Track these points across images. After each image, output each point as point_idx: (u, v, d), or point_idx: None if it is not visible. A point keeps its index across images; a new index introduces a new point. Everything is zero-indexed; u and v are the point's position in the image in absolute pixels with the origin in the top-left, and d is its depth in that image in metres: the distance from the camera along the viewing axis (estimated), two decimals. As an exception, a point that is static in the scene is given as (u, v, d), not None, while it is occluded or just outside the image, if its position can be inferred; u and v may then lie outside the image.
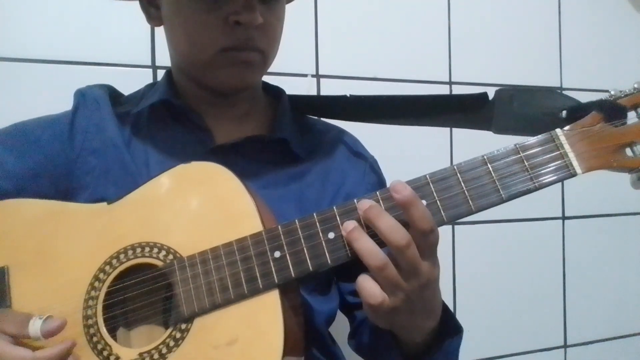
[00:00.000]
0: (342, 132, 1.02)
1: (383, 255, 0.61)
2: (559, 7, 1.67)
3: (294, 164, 0.91)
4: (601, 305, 1.71)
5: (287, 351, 0.63)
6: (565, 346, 1.66)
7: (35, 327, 0.66)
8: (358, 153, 0.99)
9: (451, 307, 1.49)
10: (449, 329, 0.76)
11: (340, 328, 0.97)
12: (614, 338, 1.73)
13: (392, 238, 0.61)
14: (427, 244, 0.62)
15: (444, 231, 1.48)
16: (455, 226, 1.51)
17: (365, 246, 0.62)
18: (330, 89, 1.39)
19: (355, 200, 0.66)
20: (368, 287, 0.63)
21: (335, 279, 0.96)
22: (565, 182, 1.61)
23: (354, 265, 0.88)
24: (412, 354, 0.75)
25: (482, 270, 1.55)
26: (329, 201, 0.90)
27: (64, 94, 0.93)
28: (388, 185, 0.67)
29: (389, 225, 0.61)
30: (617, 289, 1.73)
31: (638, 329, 1.76)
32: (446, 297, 1.50)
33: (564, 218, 1.67)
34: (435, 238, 0.63)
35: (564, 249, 1.67)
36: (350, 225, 0.63)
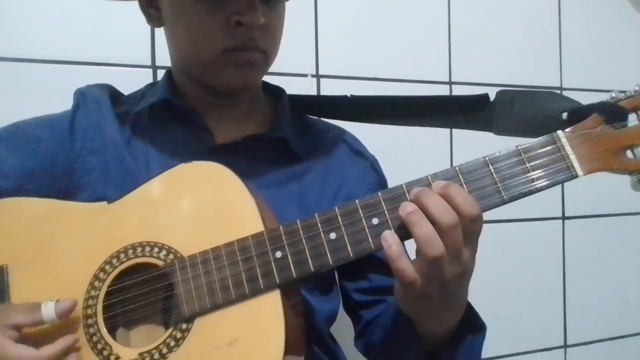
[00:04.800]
0: (342, 131, 1.02)
1: (442, 244, 0.60)
2: (559, 7, 1.67)
3: (294, 163, 0.91)
4: (601, 305, 1.71)
5: (287, 351, 0.63)
6: (565, 346, 1.66)
7: (49, 309, 0.67)
8: (358, 152, 0.99)
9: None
10: (472, 325, 0.75)
11: (341, 328, 0.97)
12: (614, 338, 1.73)
13: (441, 218, 0.59)
14: (472, 230, 0.61)
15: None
16: (456, 226, 1.50)
17: (426, 232, 0.60)
18: (330, 89, 1.39)
19: (357, 201, 0.66)
20: (403, 266, 0.61)
21: (337, 278, 0.96)
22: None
23: (358, 264, 0.89)
24: (430, 351, 0.74)
25: (481, 270, 1.54)
26: (330, 200, 0.90)
27: (64, 94, 0.93)
28: (390, 185, 0.67)
29: (439, 204, 0.60)
30: (617, 289, 1.73)
31: (638, 329, 1.76)
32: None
33: (564, 218, 1.67)
34: (480, 225, 0.62)
35: (564, 249, 1.67)
36: (409, 206, 0.61)
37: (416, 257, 0.62)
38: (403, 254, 0.61)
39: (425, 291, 0.62)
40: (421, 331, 0.73)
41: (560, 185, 1.64)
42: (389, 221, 0.65)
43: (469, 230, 0.61)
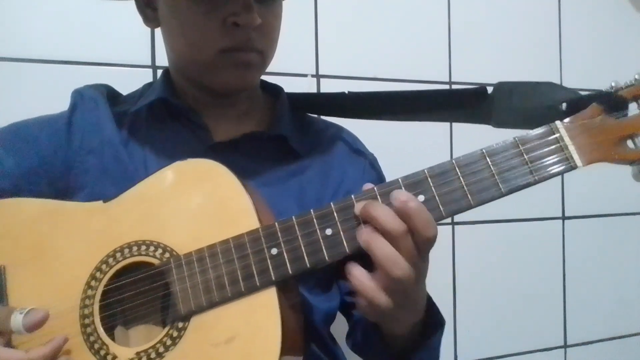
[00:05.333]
0: (341, 129, 1.02)
1: (406, 263, 0.61)
2: (559, 7, 1.67)
3: (294, 160, 0.91)
4: (601, 305, 1.71)
5: (285, 349, 0.63)
6: (565, 346, 1.66)
7: (16, 321, 0.65)
8: (358, 150, 0.99)
9: (451, 307, 1.50)
10: (433, 323, 0.76)
11: (341, 328, 0.97)
12: (614, 338, 1.73)
13: (389, 226, 0.60)
14: (427, 247, 0.63)
15: (444, 231, 1.48)
16: (455, 226, 1.51)
17: (389, 254, 0.61)
18: (330, 89, 1.39)
19: (352, 196, 0.65)
20: (379, 300, 0.63)
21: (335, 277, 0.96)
22: (565, 181, 1.59)
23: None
24: (397, 351, 0.76)
25: (482, 270, 1.55)
26: (330, 198, 0.90)
27: (64, 94, 0.93)
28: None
29: (384, 213, 0.61)
30: (617, 289, 1.73)
31: (638, 329, 1.76)
32: (446, 297, 1.51)
33: (564, 218, 1.66)
34: (435, 241, 0.63)
35: (564, 249, 1.66)
36: (364, 234, 0.62)
37: (376, 273, 0.63)
38: (378, 288, 0.62)
39: (393, 304, 0.63)
40: (386, 332, 0.75)
41: (560, 185, 1.65)
42: None
43: (424, 248, 0.62)
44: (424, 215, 0.61)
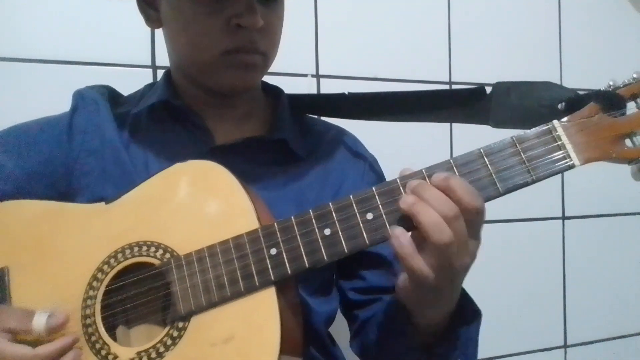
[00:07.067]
0: (342, 132, 1.02)
1: (450, 230, 0.58)
2: (559, 7, 1.67)
3: (294, 164, 0.91)
4: (601, 305, 1.71)
5: (284, 349, 0.63)
6: (565, 346, 1.66)
7: (40, 322, 0.67)
8: (358, 153, 0.99)
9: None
10: (467, 313, 0.74)
11: (340, 329, 0.97)
12: (614, 338, 1.73)
13: (442, 210, 0.59)
14: (474, 220, 0.61)
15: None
16: (455, 226, 1.49)
17: (434, 219, 0.59)
18: (330, 89, 1.39)
19: (350, 196, 0.66)
20: (418, 265, 0.60)
21: (335, 278, 0.96)
22: (565, 182, 1.58)
23: (353, 262, 0.88)
24: (426, 343, 0.74)
25: (482, 270, 1.54)
26: (329, 201, 0.90)
27: (64, 94, 0.93)
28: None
29: (437, 197, 0.60)
30: (617, 289, 1.73)
31: (638, 329, 1.76)
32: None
33: (564, 218, 1.66)
34: (482, 218, 0.62)
35: (564, 249, 1.66)
36: (411, 198, 0.60)
37: (423, 252, 0.61)
38: (416, 252, 0.61)
39: (437, 285, 0.61)
40: (417, 321, 0.72)
41: (560, 185, 1.65)
42: (384, 216, 0.64)
43: (471, 220, 0.61)
44: (465, 186, 0.61)
